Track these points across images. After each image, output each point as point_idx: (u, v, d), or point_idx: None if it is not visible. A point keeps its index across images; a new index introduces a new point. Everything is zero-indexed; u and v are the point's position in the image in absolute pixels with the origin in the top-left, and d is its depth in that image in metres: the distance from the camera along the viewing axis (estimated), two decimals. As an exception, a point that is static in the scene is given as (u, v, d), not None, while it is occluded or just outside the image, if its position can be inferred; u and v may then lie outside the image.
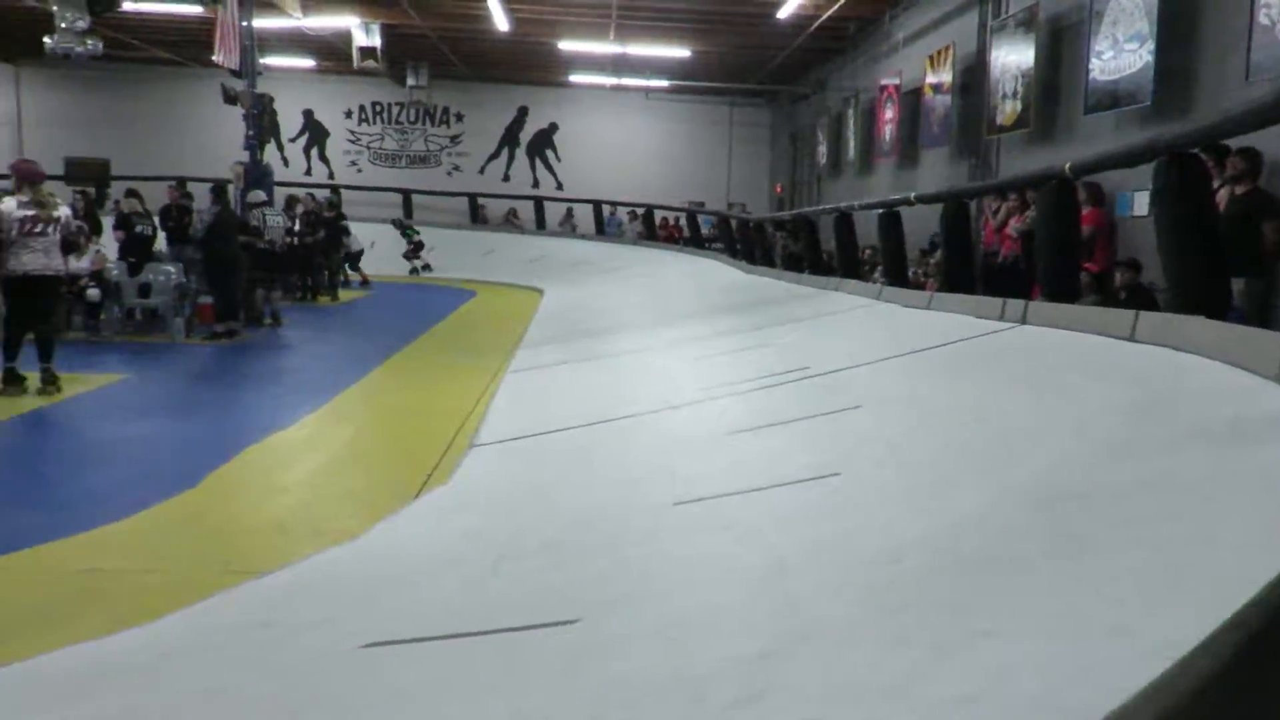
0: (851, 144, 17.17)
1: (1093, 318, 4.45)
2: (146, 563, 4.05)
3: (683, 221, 20.42)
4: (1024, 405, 3.95)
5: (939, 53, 13.15)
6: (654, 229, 21.12)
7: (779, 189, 22.99)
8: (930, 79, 13.35)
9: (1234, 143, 5.76)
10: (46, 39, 11.70)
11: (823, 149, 19.08)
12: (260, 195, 12.35)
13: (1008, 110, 11.08)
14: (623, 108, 23.59)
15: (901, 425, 4.12)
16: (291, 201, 13.87)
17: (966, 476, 3.06)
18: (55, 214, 7.28)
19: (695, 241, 18.54)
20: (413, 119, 23.79)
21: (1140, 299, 6.57)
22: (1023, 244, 8.41)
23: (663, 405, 6.03)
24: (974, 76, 12.25)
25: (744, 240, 14.34)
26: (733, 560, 2.71)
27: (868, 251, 11.95)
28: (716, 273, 13.75)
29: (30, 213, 7.09)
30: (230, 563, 3.95)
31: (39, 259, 7.13)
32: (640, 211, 21.63)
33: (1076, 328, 4.47)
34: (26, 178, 7.38)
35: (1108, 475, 2.54)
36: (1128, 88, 8.60)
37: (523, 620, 2.26)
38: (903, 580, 2.06)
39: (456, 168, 23.89)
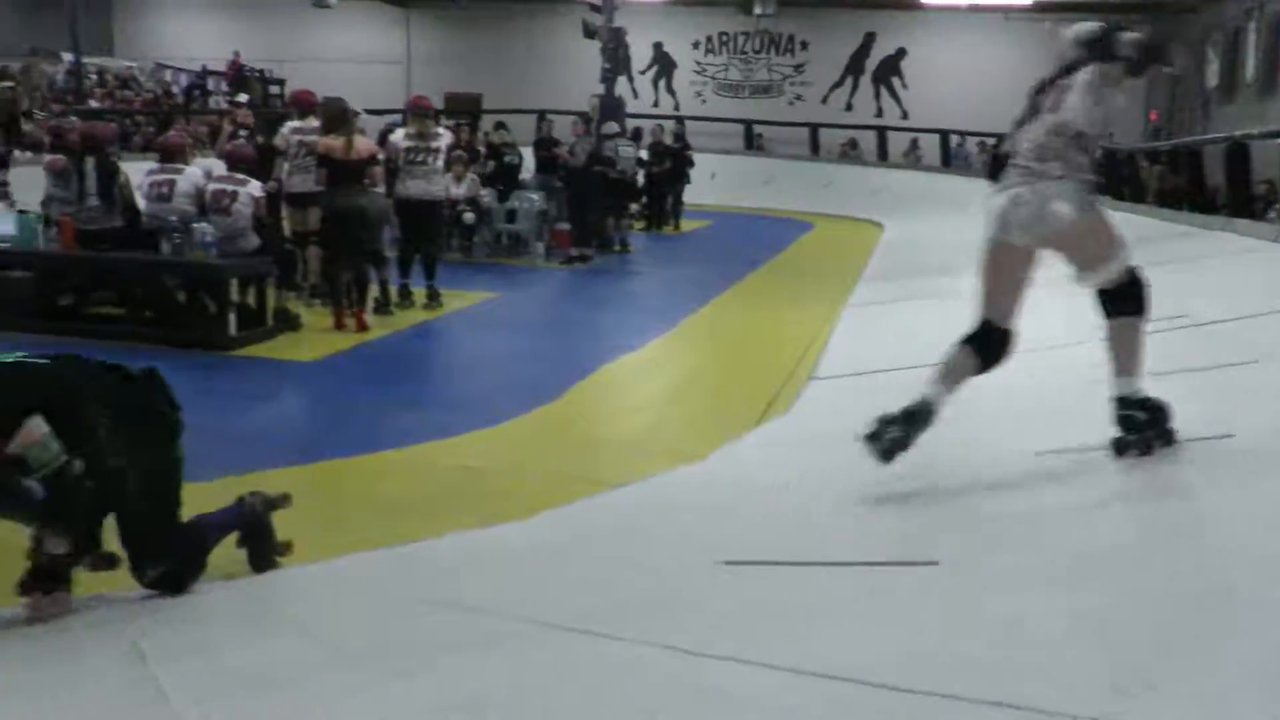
0: (1250, 62, 15.07)
1: None
2: (516, 464, 4.45)
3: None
4: None
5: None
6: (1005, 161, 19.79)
7: (1153, 116, 20.70)
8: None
9: None
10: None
11: (1213, 69, 16.90)
12: (614, 126, 12.93)
13: None
14: (978, 31, 22.17)
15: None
16: (639, 132, 14.41)
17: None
18: (435, 144, 8.03)
19: (1052, 174, 17.15)
20: (758, 48, 23.80)
21: None
22: None
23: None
24: None
25: (1110, 174, 13.10)
26: (1102, 522, 2.55)
27: (1263, 186, 10.53)
28: (1076, 208, 12.68)
29: (413, 144, 7.88)
30: (589, 473, 4.27)
31: (420, 184, 7.92)
32: (991, 142, 20.37)
33: None
34: (414, 111, 8.23)
35: None
36: None
37: (878, 555, 2.26)
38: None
39: (799, 97, 23.67)
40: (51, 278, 6.88)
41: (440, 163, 8.09)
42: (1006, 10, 20.97)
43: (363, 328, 6.95)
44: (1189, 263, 7.17)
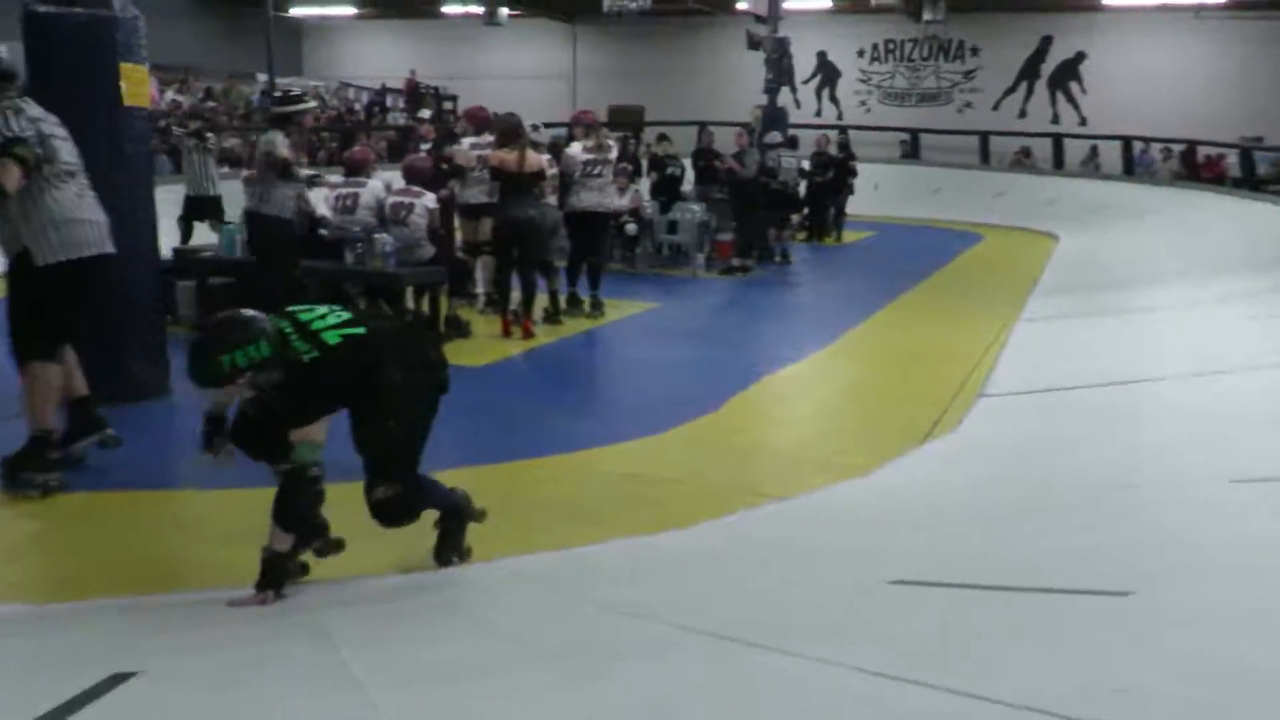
0: None
1: None
2: (677, 473, 4.48)
3: (1232, 159, 17.78)
4: None
5: None
6: (1195, 168, 18.63)
7: None
8: None
9: None
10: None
11: None
12: (777, 136, 12.87)
13: None
14: (1165, 31, 20.95)
15: None
16: (796, 141, 14.28)
17: None
18: (609, 156, 8.20)
19: (1248, 183, 16.07)
20: (925, 55, 23.21)
21: None
22: None
23: (1201, 370, 5.40)
24: None
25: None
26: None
27: None
28: (1276, 220, 11.84)
29: (591, 156, 8.07)
30: (751, 484, 4.26)
31: (594, 196, 8.10)
32: (1178, 148, 19.19)
33: None
34: (590, 125, 8.41)
35: None
36: None
37: (1061, 581, 2.17)
38: None
39: (968, 104, 22.93)
40: (249, 284, 7.37)
41: (611, 175, 8.27)
42: (1198, 9, 19.76)
43: (529, 335, 7.16)
44: None
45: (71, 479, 4.09)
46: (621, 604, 2.45)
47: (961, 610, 2.14)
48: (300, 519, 2.85)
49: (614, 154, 8.33)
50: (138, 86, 5.20)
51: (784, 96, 16.32)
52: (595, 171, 8.06)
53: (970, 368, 6.38)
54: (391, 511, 2.95)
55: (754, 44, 14.80)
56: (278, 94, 6.23)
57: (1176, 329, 6.96)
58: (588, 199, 8.06)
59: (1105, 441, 4.28)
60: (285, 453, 2.85)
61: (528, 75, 24.47)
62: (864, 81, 23.84)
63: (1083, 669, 1.67)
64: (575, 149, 8.15)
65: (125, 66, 5.10)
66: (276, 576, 2.80)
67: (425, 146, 8.74)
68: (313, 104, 6.29)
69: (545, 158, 7.59)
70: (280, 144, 6.42)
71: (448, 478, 3.33)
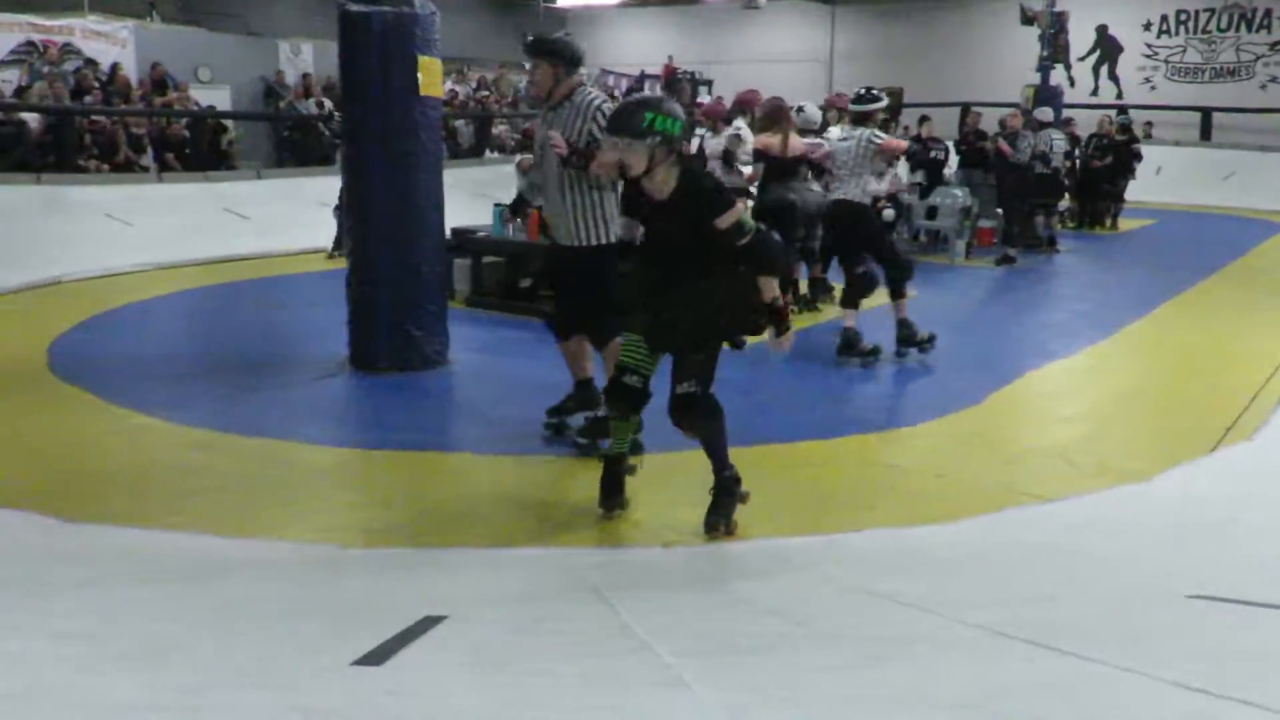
0: None
1: None
2: (937, 467, 4.37)
3: None
4: None
5: None
6: None
7: None
8: None
9: None
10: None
11: None
12: (1048, 113, 12.13)
13: None
14: None
15: None
16: (1069, 121, 13.38)
17: None
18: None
19: None
20: (1224, 26, 21.08)
21: None
22: None
23: None
24: None
25: None
26: None
27: None
28: None
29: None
30: (1015, 483, 4.08)
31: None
32: None
33: None
34: (842, 108, 8.26)
35: None
36: None
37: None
38: None
39: (1273, 79, 20.66)
40: (516, 263, 7.81)
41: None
42: None
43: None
44: None
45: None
46: (892, 593, 2.42)
47: (1255, 631, 1.96)
48: (774, 265, 3.31)
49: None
50: (432, 77, 5.61)
51: (1058, 74, 15.34)
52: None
53: (1270, 371, 5.81)
54: (690, 406, 3.23)
55: (1028, 19, 14.02)
56: (860, 91, 6.51)
57: None
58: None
59: None
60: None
61: (785, 59, 24.32)
62: (1149, 56, 21.99)
63: None
64: (834, 135, 8.01)
65: (422, 59, 5.52)
66: (781, 319, 3.31)
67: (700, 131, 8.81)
68: (885, 102, 6.59)
69: (809, 141, 7.49)
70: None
71: (699, 458, 3.42)
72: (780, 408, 5.26)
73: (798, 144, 7.19)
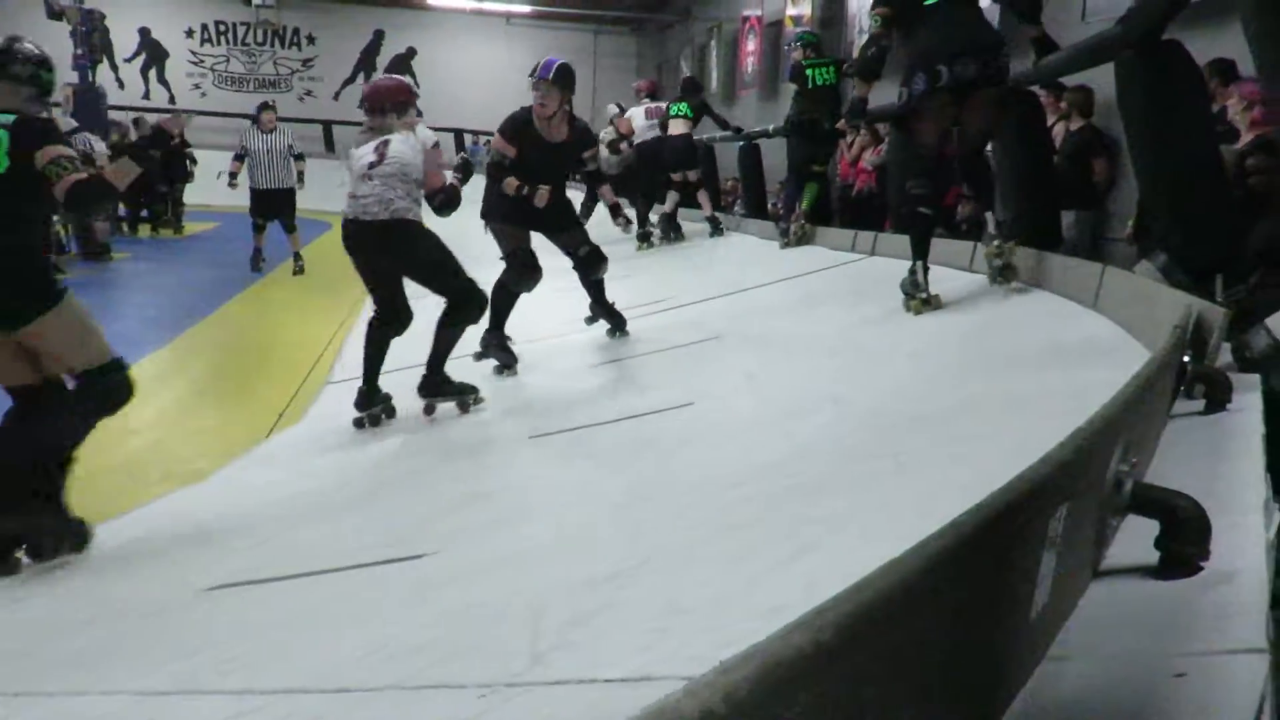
0: (714, 75, 17.20)
1: (938, 249, 4.63)
2: None
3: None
4: (870, 335, 4.10)
5: (799, -15, 13.24)
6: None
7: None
8: (791, 10, 13.45)
9: (1069, 81, 5.98)
10: None
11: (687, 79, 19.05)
12: (72, 122, 11.48)
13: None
14: (483, 34, 22.96)
15: (758, 357, 4.23)
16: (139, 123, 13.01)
17: (816, 404, 3.16)
18: None
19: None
20: (260, 40, 22.57)
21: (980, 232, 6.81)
22: (876, 177, 8.62)
23: (521, 339, 6.03)
24: (834, 10, 12.36)
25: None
26: (585, 489, 2.76)
27: (729, 182, 12.10)
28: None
29: None
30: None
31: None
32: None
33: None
34: None
35: (938, 399, 2.68)
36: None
37: (375, 556, 2.25)
38: (746, 504, 2.14)
39: (309, 93, 22.85)
40: None
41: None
42: (508, 16, 21.92)
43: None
44: (668, 252, 7.97)
45: None
46: None
47: (266, 604, 2.10)
48: None
49: None
50: None
51: (104, 75, 14.69)
52: None
53: (318, 354, 6.38)
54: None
55: (54, 13, 13.07)
56: None
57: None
58: None
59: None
60: None
61: None
62: (196, 64, 22.50)
63: (360, 633, 1.73)
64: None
65: None
66: None
67: None
68: None
69: None
70: None
71: None
72: None
73: None
